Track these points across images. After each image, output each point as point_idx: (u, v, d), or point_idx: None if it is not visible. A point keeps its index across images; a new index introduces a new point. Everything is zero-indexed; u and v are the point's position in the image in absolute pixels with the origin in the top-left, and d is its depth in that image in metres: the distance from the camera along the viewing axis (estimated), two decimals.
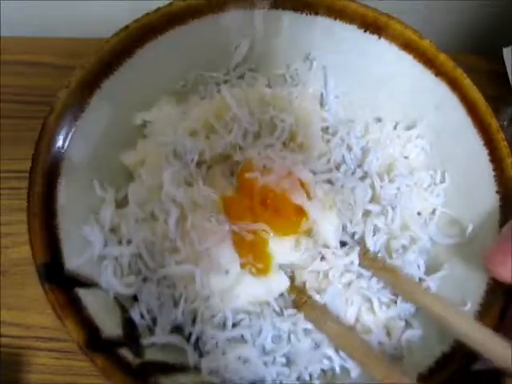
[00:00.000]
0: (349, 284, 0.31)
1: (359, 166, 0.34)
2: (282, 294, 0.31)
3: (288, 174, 0.31)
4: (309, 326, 0.30)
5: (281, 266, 0.31)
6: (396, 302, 0.31)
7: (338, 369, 0.30)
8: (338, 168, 0.34)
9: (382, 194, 0.33)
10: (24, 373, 0.39)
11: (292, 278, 0.31)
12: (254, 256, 0.29)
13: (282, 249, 0.30)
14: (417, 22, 0.56)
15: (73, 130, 0.28)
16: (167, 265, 0.29)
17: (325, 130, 0.35)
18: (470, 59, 0.54)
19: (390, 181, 0.34)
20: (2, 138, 0.48)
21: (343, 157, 0.34)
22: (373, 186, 0.33)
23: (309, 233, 0.32)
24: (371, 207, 0.32)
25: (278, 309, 0.30)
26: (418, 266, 0.32)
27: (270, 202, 0.30)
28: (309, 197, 0.31)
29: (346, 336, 0.28)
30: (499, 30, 0.54)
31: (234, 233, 0.29)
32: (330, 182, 0.33)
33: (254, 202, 0.30)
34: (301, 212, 0.31)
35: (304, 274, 0.31)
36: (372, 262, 0.31)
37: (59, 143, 0.28)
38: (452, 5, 0.52)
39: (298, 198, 0.31)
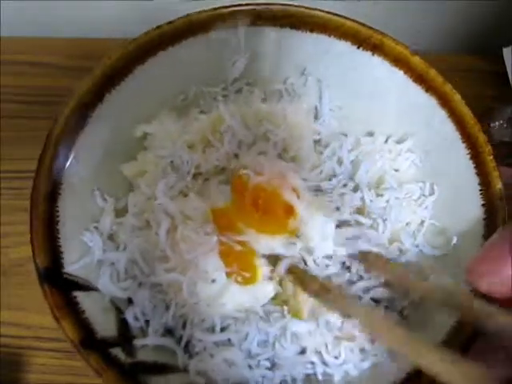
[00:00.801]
0: None
1: (351, 178, 0.35)
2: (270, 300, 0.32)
3: (279, 177, 0.32)
4: (297, 329, 0.30)
5: (263, 256, 0.31)
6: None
7: (320, 376, 0.30)
8: (329, 180, 0.35)
9: (372, 208, 0.34)
10: (24, 373, 0.39)
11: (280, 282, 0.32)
12: (241, 265, 0.30)
13: (265, 241, 0.31)
14: (417, 22, 0.56)
15: (76, 143, 0.30)
16: (158, 272, 0.30)
17: (317, 142, 0.36)
18: (470, 59, 0.54)
19: (380, 195, 0.34)
20: (2, 138, 0.48)
21: (334, 170, 0.35)
22: (363, 200, 0.34)
23: (295, 233, 0.32)
24: (363, 220, 0.33)
25: (263, 315, 0.31)
26: None
27: (260, 202, 0.31)
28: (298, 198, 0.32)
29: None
30: (499, 30, 0.54)
31: (221, 243, 0.30)
32: (319, 190, 0.34)
33: (246, 203, 0.31)
34: (290, 211, 0.32)
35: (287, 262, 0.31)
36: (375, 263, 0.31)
37: (62, 155, 0.29)
38: (452, 5, 0.52)
39: (289, 195, 0.31)
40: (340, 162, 0.35)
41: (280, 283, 0.32)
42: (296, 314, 0.31)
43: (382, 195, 0.34)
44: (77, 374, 0.40)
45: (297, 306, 0.31)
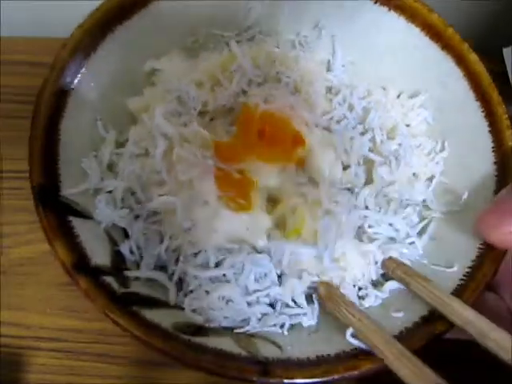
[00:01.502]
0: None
1: (360, 123, 0.35)
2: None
3: (290, 107, 0.32)
4: (297, 250, 0.30)
5: (261, 190, 0.31)
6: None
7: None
8: (339, 122, 0.35)
9: (383, 149, 0.33)
10: (24, 373, 0.39)
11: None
12: (236, 192, 0.29)
13: (267, 172, 0.31)
14: None
15: (83, 67, 0.30)
16: (153, 198, 0.30)
17: (328, 90, 0.36)
18: None
19: (391, 138, 0.34)
20: (2, 138, 0.48)
21: (344, 115, 0.35)
22: (374, 141, 0.33)
23: (301, 163, 0.32)
24: (373, 156, 0.32)
25: (259, 246, 0.30)
26: (411, 221, 0.32)
27: (268, 130, 0.31)
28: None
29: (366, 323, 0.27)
30: (499, 30, 0.54)
31: (219, 169, 0.30)
32: (329, 130, 0.34)
33: (251, 133, 0.31)
34: (298, 140, 0.31)
35: (291, 199, 0.31)
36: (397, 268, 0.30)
37: (69, 76, 0.30)
38: (451, 4, 0.52)
39: (298, 124, 0.31)
40: (351, 108, 0.35)
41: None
42: (295, 231, 0.30)
43: (393, 139, 0.34)
44: (77, 373, 0.40)
45: (296, 222, 0.30)
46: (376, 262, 0.31)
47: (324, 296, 0.29)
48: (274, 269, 0.30)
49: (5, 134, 0.48)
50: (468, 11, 0.54)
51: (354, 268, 0.30)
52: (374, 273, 0.31)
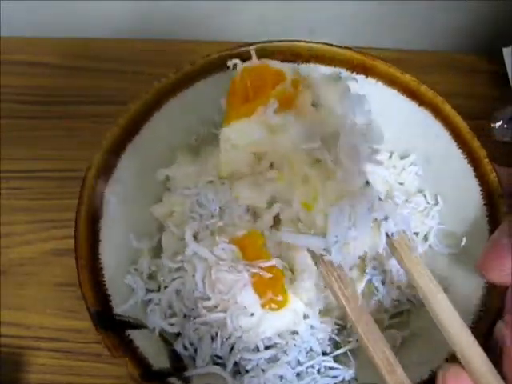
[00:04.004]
0: None
1: None
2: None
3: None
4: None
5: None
6: None
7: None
8: None
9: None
10: (24, 373, 0.39)
11: None
12: (272, 292, 0.31)
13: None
14: (417, 22, 0.56)
15: (105, 188, 0.32)
16: (200, 310, 0.32)
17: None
18: (470, 59, 0.54)
19: (389, 198, 0.36)
20: (2, 138, 0.48)
21: None
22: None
23: (289, 101, 0.31)
24: (376, 215, 0.32)
25: (311, 325, 0.32)
26: None
27: (250, 88, 0.31)
28: None
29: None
30: (499, 30, 0.54)
31: (253, 275, 0.31)
32: None
33: (238, 101, 0.31)
34: (279, 77, 0.31)
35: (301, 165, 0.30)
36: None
37: (97, 201, 0.32)
38: (452, 5, 0.52)
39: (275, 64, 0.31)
40: None
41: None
42: (305, 205, 0.29)
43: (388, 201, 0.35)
44: (76, 373, 0.40)
45: (307, 195, 0.30)
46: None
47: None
48: (318, 345, 0.32)
49: (5, 134, 0.48)
50: (468, 11, 0.54)
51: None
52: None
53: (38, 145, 0.48)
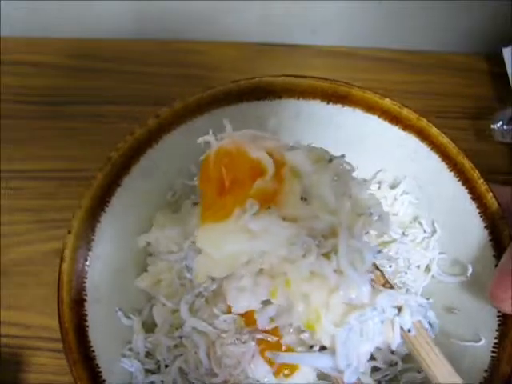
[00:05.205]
0: None
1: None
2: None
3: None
4: None
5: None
6: None
7: None
8: None
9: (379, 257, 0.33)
10: (24, 373, 0.39)
11: None
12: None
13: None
14: (417, 22, 0.56)
15: (85, 270, 0.30)
16: None
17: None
18: (470, 59, 0.54)
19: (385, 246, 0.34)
20: (2, 138, 0.48)
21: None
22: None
23: (270, 197, 0.26)
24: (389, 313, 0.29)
25: None
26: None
27: (226, 176, 0.26)
28: None
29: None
30: (499, 30, 0.54)
31: (259, 342, 0.29)
32: None
33: (212, 191, 0.27)
34: (258, 170, 0.26)
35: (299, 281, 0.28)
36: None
37: (79, 282, 0.29)
38: (452, 5, 0.52)
39: (255, 152, 0.26)
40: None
41: None
42: (308, 326, 0.27)
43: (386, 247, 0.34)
44: None
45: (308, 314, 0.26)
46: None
47: None
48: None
49: (5, 134, 0.48)
50: (468, 11, 0.54)
51: None
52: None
53: (38, 145, 0.48)
